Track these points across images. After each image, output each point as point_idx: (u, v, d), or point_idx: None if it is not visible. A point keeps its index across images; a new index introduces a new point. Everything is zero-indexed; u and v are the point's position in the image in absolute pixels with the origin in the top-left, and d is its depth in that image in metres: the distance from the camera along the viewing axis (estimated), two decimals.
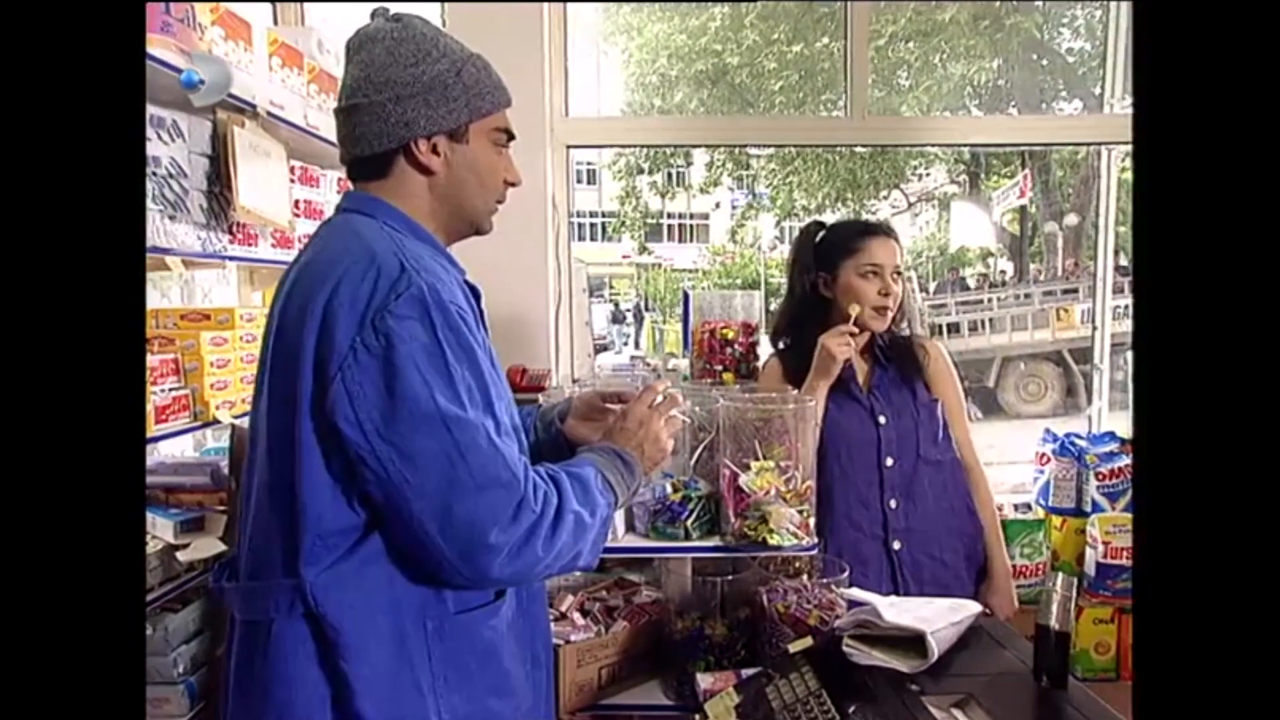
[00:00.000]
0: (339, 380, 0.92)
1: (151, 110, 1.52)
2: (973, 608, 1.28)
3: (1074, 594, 1.13)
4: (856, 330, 1.70)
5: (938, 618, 1.20)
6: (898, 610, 1.21)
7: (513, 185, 1.16)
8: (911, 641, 1.17)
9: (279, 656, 0.98)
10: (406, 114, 1.04)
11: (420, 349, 0.93)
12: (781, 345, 1.84)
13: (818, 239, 1.82)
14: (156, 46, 1.48)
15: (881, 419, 1.74)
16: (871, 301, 1.72)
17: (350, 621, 0.96)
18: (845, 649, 1.20)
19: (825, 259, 1.78)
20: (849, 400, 1.74)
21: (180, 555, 1.59)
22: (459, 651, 1.01)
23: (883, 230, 1.78)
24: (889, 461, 1.72)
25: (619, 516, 1.54)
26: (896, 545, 1.70)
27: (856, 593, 1.35)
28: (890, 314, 1.74)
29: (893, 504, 1.72)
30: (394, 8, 1.13)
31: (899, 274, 1.74)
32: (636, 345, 15.48)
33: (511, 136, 1.15)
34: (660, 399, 1.22)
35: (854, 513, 1.71)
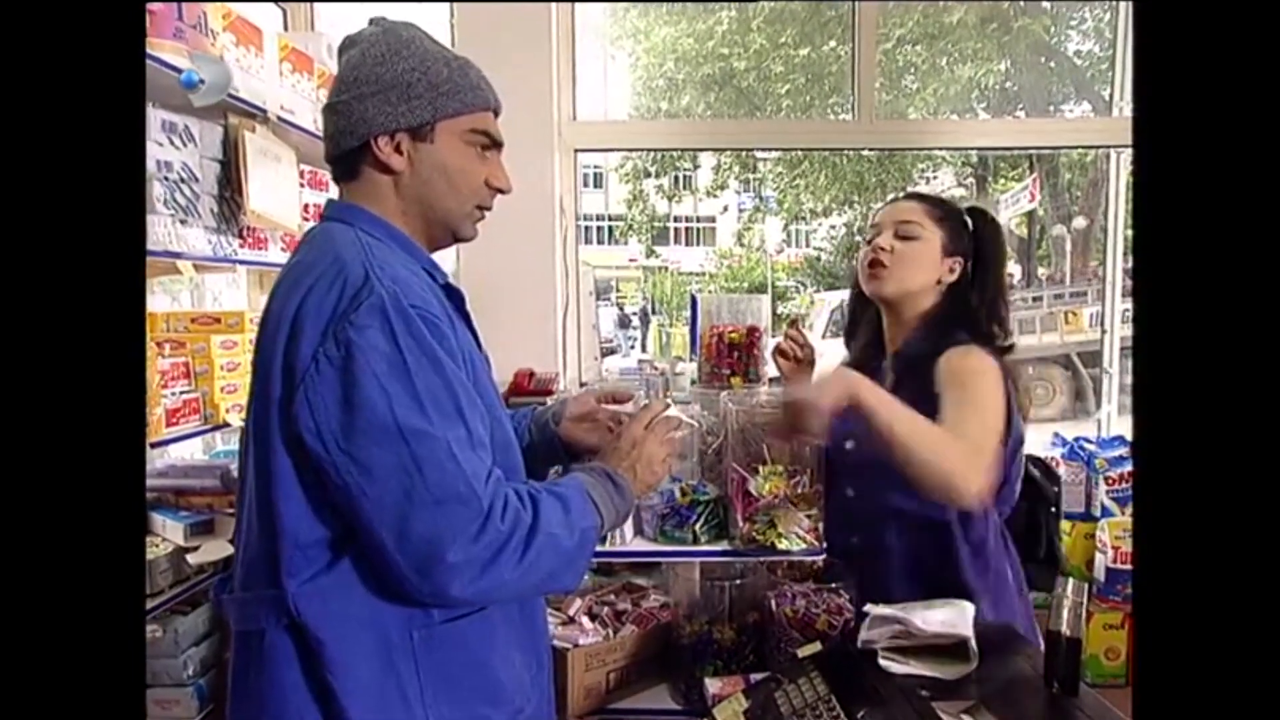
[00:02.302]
0: (302, 390, 0.91)
1: (164, 115, 1.54)
2: (968, 607, 1.25)
3: (1085, 600, 1.12)
4: (796, 323, 1.62)
5: (960, 622, 1.19)
6: (921, 618, 1.19)
7: (500, 191, 1.13)
8: (947, 648, 1.16)
9: (271, 667, 0.97)
10: (367, 111, 1.03)
11: (380, 358, 0.91)
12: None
13: None
14: (168, 52, 1.49)
15: (848, 444, 1.43)
16: (863, 264, 1.46)
17: (332, 633, 0.95)
18: (881, 661, 1.18)
19: None
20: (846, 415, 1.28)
21: (190, 558, 1.59)
22: (448, 661, 0.99)
23: (902, 195, 1.54)
24: (849, 491, 1.46)
25: (628, 521, 1.54)
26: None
27: (878, 608, 1.30)
28: (881, 273, 1.43)
29: (854, 540, 1.44)
30: (405, 11, 1.14)
31: (908, 235, 1.42)
32: (643, 348, 15.48)
33: (495, 142, 1.11)
34: (659, 418, 1.18)
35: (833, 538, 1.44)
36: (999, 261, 1.47)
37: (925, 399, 1.29)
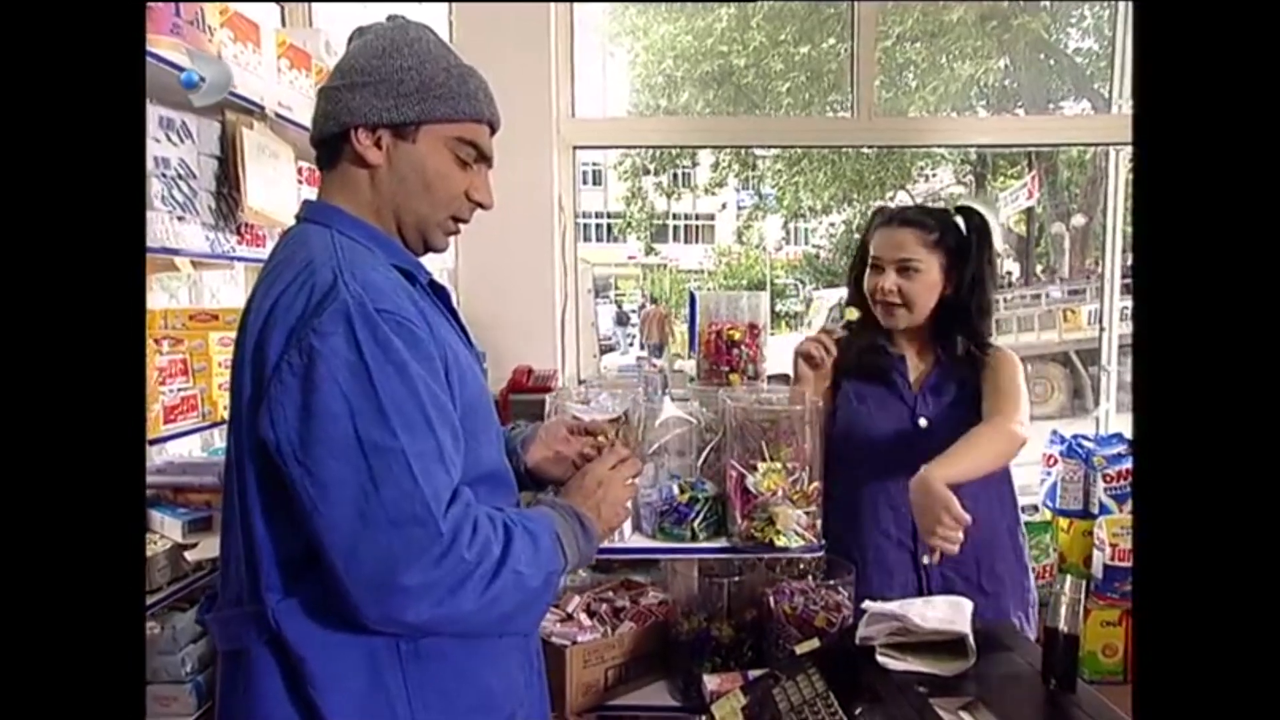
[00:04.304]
0: (266, 399, 0.88)
1: (161, 112, 1.53)
2: (966, 604, 1.25)
3: (1082, 597, 1.12)
4: (831, 332, 1.62)
5: (958, 618, 1.19)
6: (920, 614, 1.19)
7: (481, 206, 1.10)
8: (945, 645, 1.16)
9: (255, 685, 0.95)
10: (354, 100, 1.01)
11: (343, 366, 0.86)
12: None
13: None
14: (165, 48, 1.49)
15: (923, 421, 1.59)
16: (873, 296, 1.61)
17: (315, 650, 0.92)
18: (880, 658, 1.18)
19: (864, 248, 1.67)
20: (891, 397, 1.62)
21: (188, 555, 1.59)
22: (437, 673, 0.97)
23: (894, 218, 1.61)
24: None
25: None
26: (926, 560, 1.54)
27: (876, 605, 1.31)
28: (896, 311, 1.59)
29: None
30: (405, 8, 1.13)
31: (910, 269, 1.56)
32: (641, 346, 15.47)
33: (483, 156, 1.08)
34: (624, 461, 1.18)
35: (883, 519, 1.58)
36: (991, 261, 1.62)
37: (965, 373, 1.60)
